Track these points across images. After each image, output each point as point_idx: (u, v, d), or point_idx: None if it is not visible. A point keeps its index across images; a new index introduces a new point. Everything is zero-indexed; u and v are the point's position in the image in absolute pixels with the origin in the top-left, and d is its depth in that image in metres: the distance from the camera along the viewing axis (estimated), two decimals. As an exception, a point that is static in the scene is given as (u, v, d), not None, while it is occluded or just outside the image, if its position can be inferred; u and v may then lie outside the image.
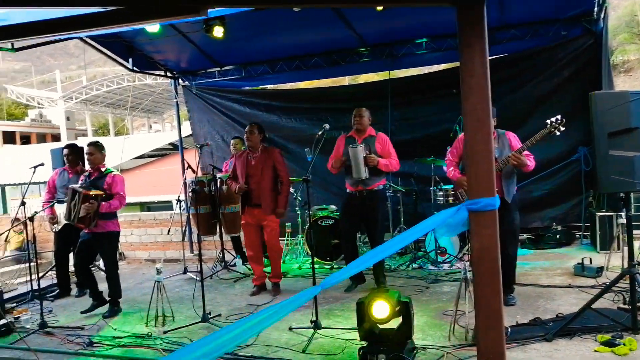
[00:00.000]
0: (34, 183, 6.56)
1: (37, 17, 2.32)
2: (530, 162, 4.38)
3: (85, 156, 5.31)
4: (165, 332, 4.51)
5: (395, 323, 3.50)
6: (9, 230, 6.49)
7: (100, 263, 6.34)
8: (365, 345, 3.50)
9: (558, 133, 4.21)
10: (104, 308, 5.29)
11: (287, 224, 7.30)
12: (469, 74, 2.04)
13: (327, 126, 4.90)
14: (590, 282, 5.00)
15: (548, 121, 4.22)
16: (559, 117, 4.17)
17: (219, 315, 4.91)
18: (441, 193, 6.49)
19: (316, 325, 4.20)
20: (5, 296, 5.75)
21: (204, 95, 8.83)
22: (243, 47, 7.79)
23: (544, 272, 5.63)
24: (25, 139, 38.04)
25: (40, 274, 5.86)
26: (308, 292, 2.23)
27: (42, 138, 38.94)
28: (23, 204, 5.68)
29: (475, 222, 2.11)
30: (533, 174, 6.76)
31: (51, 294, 6.13)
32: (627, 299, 4.08)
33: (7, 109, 46.99)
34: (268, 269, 5.81)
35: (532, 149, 4.45)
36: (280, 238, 5.83)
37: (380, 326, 3.49)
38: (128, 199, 5.43)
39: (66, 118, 38.39)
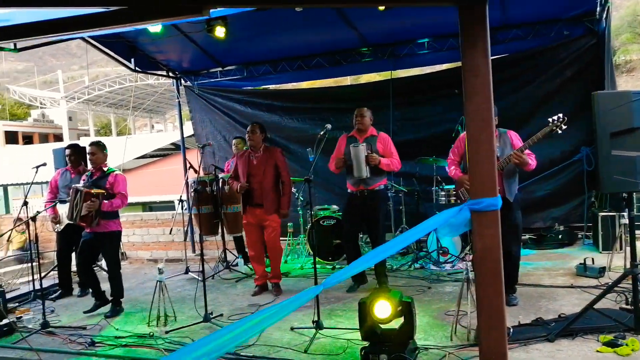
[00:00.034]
0: (37, 183, 6.58)
1: (39, 17, 2.32)
2: (532, 161, 4.37)
3: (88, 156, 5.32)
4: (167, 332, 4.51)
5: (397, 323, 3.49)
6: (12, 230, 6.51)
7: (103, 263, 6.34)
8: (367, 345, 3.50)
9: (560, 131, 4.20)
10: (106, 308, 5.30)
11: (289, 223, 7.31)
12: (472, 74, 2.04)
13: (329, 126, 4.89)
14: (592, 283, 4.99)
15: (550, 119, 4.21)
16: (560, 115, 4.17)
17: (221, 315, 4.91)
18: (443, 193, 6.49)
19: (318, 326, 4.19)
20: (8, 296, 5.76)
21: (205, 96, 8.84)
22: (245, 47, 7.80)
23: (546, 272, 5.62)
24: (28, 139, 38.11)
25: (43, 274, 5.87)
26: (309, 291, 2.23)
27: (44, 138, 39.01)
28: (25, 203, 5.69)
29: (477, 222, 2.11)
30: (535, 174, 6.75)
31: (53, 294, 6.14)
32: (630, 300, 4.07)
33: (9, 109, 47.08)
34: (269, 269, 5.81)
35: (534, 149, 4.45)
36: (282, 238, 5.83)
37: (382, 326, 3.49)
38: (130, 199, 5.44)
39: (68, 118, 38.44)
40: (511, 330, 3.73)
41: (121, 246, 7.72)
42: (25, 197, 5.65)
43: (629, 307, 4.00)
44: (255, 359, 3.82)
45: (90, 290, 5.49)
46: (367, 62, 7.86)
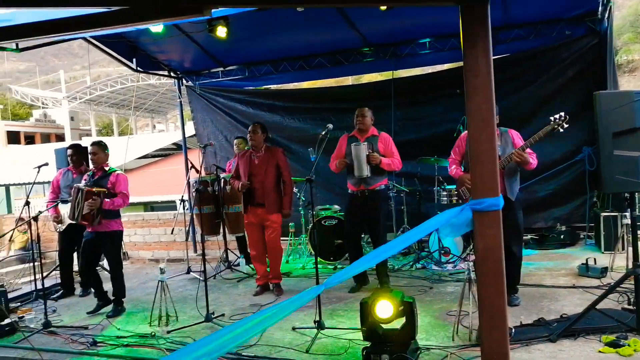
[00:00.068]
0: (38, 183, 6.58)
1: (41, 17, 2.33)
2: (533, 160, 4.37)
3: (89, 156, 5.32)
4: (168, 332, 4.52)
5: (398, 323, 3.49)
6: (13, 229, 6.53)
7: (105, 263, 6.35)
8: (368, 345, 3.50)
9: (561, 130, 4.20)
10: (108, 308, 5.31)
11: (290, 223, 7.30)
12: (473, 74, 2.04)
13: (330, 126, 4.90)
14: (594, 283, 4.98)
15: (552, 118, 4.21)
16: (562, 114, 4.16)
17: (223, 315, 4.91)
18: (445, 193, 6.48)
19: (319, 326, 4.19)
20: (10, 295, 5.77)
21: (207, 95, 8.85)
22: (246, 47, 7.80)
23: (548, 272, 5.61)
24: (30, 139, 38.17)
25: (44, 274, 5.87)
26: (311, 291, 2.23)
27: (46, 138, 39.07)
28: (27, 203, 5.70)
29: (479, 222, 2.11)
30: (537, 174, 6.75)
31: (55, 294, 6.15)
32: (632, 300, 4.06)
33: (11, 109, 47.16)
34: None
35: (535, 149, 4.44)
36: (283, 238, 5.82)
37: (384, 326, 3.49)
38: (132, 199, 5.45)
39: (70, 118, 38.49)
40: (513, 330, 3.73)
41: (123, 246, 7.72)
42: (27, 197, 5.65)
43: (631, 307, 3.99)
44: (256, 358, 3.82)
45: (93, 290, 5.51)
46: (369, 62, 7.86)
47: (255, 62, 8.28)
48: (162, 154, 26.76)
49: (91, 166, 5.44)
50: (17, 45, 6.28)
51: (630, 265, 3.93)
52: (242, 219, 5.91)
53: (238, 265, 6.96)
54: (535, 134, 4.24)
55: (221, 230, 6.66)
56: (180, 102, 8.97)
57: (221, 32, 6.27)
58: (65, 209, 5.78)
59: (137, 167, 23.52)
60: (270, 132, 6.14)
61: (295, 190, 6.71)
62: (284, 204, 5.55)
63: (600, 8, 6.36)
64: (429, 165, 6.82)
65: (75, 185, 5.26)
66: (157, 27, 6.33)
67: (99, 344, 4.36)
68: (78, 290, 6.27)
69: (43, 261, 5.84)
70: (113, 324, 4.90)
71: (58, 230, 6.12)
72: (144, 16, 1.99)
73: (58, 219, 6.03)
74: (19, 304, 5.87)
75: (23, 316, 5.15)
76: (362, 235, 6.38)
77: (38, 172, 5.63)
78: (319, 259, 5.20)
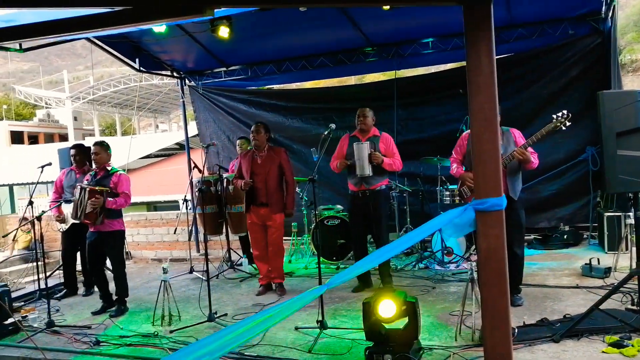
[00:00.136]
0: (42, 183, 6.60)
1: (44, 17, 2.33)
2: (535, 160, 4.36)
3: (92, 156, 5.34)
4: (171, 332, 4.52)
5: (401, 323, 3.49)
6: (17, 229, 6.54)
7: (108, 262, 6.36)
8: (371, 345, 3.50)
9: (564, 128, 4.18)
10: (112, 308, 5.32)
11: (293, 223, 7.31)
12: (476, 74, 2.03)
13: (333, 126, 4.90)
14: (598, 283, 4.97)
15: (554, 116, 4.20)
16: (564, 112, 4.15)
17: (225, 314, 4.92)
18: (448, 193, 6.48)
19: (322, 325, 4.19)
20: (13, 295, 5.77)
21: (210, 95, 8.86)
22: (249, 47, 7.80)
23: (551, 272, 5.60)
24: (33, 139, 38.29)
25: (48, 273, 5.89)
26: (313, 291, 2.23)
27: (49, 138, 39.20)
28: (31, 203, 5.72)
29: (482, 222, 2.10)
30: (540, 173, 6.74)
31: (58, 293, 6.16)
32: (636, 300, 4.05)
33: (15, 109, 47.32)
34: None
35: (539, 149, 4.43)
36: (286, 238, 5.82)
37: (387, 326, 3.48)
38: (135, 199, 5.46)
39: (73, 118, 38.62)
40: (516, 330, 3.72)
41: (126, 245, 7.74)
42: (31, 196, 5.68)
43: (634, 307, 3.98)
44: (259, 358, 3.82)
45: (97, 289, 5.52)
46: (372, 62, 7.85)
47: (258, 62, 8.28)
48: (165, 154, 26.78)
49: (93, 166, 5.45)
50: (20, 45, 6.30)
51: (634, 266, 3.92)
52: (245, 218, 5.92)
53: (241, 265, 6.96)
54: (537, 132, 4.23)
55: (224, 230, 6.66)
56: (183, 102, 8.98)
57: (223, 32, 6.26)
58: (68, 209, 5.79)
59: (140, 166, 23.55)
60: (272, 132, 6.14)
61: (297, 190, 6.71)
62: (287, 204, 5.55)
63: (603, 7, 6.34)
64: (431, 165, 6.82)
65: (78, 184, 5.28)
66: (160, 27, 6.33)
67: (102, 344, 4.37)
68: (81, 289, 6.28)
69: (46, 261, 5.84)
70: (116, 323, 4.91)
71: (61, 230, 6.13)
72: (147, 16, 1.99)
73: (61, 219, 6.05)
74: (22, 303, 5.88)
75: (26, 315, 5.17)
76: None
77: (41, 172, 5.64)
78: (321, 258, 5.19)
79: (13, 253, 9.71)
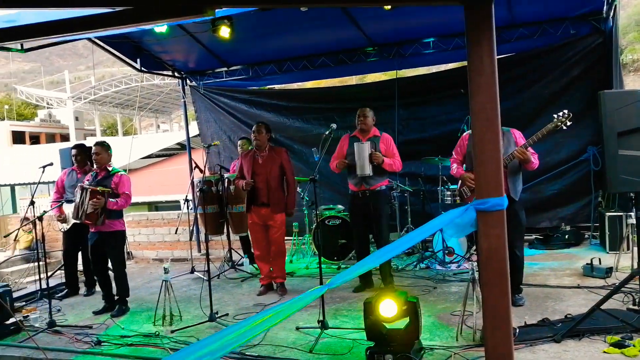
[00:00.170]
0: (43, 183, 6.60)
1: (46, 18, 2.34)
2: (535, 160, 4.35)
3: (92, 156, 5.34)
4: (172, 332, 4.53)
5: (402, 323, 3.48)
6: (18, 229, 6.55)
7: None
8: (372, 345, 3.50)
9: (565, 127, 4.17)
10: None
11: (294, 223, 7.31)
12: (477, 73, 2.03)
13: (334, 126, 4.90)
14: (599, 283, 4.96)
15: (555, 115, 4.19)
16: (565, 111, 4.14)
17: (227, 314, 4.92)
18: (449, 193, 6.47)
19: (323, 325, 4.19)
20: (15, 295, 5.79)
21: (211, 95, 8.86)
22: (250, 47, 7.80)
23: (552, 272, 5.59)
24: (35, 139, 38.33)
25: (49, 273, 5.90)
26: (314, 291, 2.23)
27: (51, 138, 39.22)
28: (32, 203, 5.72)
29: (483, 222, 2.10)
30: (542, 173, 6.73)
31: (60, 293, 6.17)
32: (637, 300, 4.05)
33: (16, 109, 47.40)
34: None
35: (540, 149, 4.42)
36: (287, 238, 5.82)
37: (388, 326, 3.48)
38: (136, 199, 5.47)
39: (75, 118, 38.65)
40: (517, 330, 3.72)
41: (127, 245, 7.74)
42: (32, 196, 5.68)
43: (636, 307, 3.98)
44: (260, 358, 3.82)
45: (99, 290, 5.53)
46: (373, 62, 7.85)
47: (259, 62, 8.28)
48: (166, 154, 26.80)
49: (94, 166, 5.46)
50: (22, 45, 6.31)
51: (636, 265, 3.92)
52: (246, 218, 5.92)
53: (242, 265, 6.97)
54: (538, 132, 4.23)
55: (225, 230, 6.67)
56: (184, 102, 8.99)
57: (224, 32, 6.25)
58: (69, 209, 5.80)
59: (141, 166, 23.56)
60: (273, 132, 6.14)
61: (299, 190, 6.71)
62: (287, 204, 5.56)
63: (605, 7, 6.33)
64: (432, 165, 6.81)
65: (79, 184, 5.28)
66: (161, 27, 6.33)
67: (103, 343, 4.37)
68: (82, 289, 6.29)
69: (48, 261, 5.86)
70: (117, 323, 4.92)
71: (62, 230, 6.14)
72: (148, 16, 1.99)
73: (62, 219, 6.05)
74: (23, 303, 5.89)
75: (28, 315, 5.17)
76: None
77: (43, 172, 5.65)
78: (322, 258, 5.20)
79: (14, 253, 9.73)
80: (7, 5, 2.44)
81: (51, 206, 6.02)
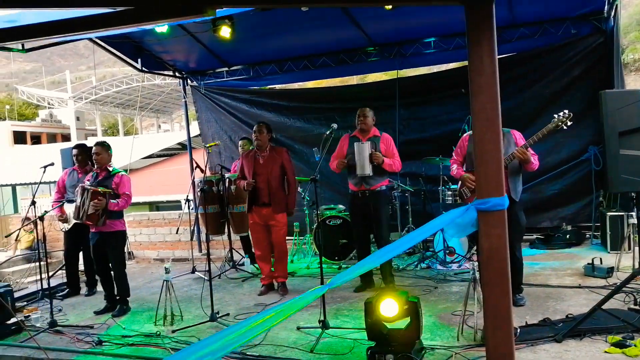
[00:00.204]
0: (44, 183, 6.61)
1: (47, 18, 2.34)
2: (535, 161, 4.35)
3: (93, 156, 5.35)
4: (173, 331, 4.53)
5: (403, 323, 3.48)
6: (20, 229, 6.55)
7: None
8: (373, 345, 3.50)
9: (565, 127, 4.17)
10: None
11: (295, 223, 7.31)
12: (478, 73, 2.03)
13: (335, 126, 4.90)
14: (600, 283, 4.96)
15: (555, 115, 4.18)
16: (566, 111, 4.14)
17: (227, 314, 4.92)
18: (449, 193, 6.47)
19: (324, 325, 4.19)
20: (16, 295, 5.79)
21: (212, 95, 8.87)
22: (251, 47, 7.81)
23: (553, 272, 5.59)
24: (36, 139, 38.36)
25: (50, 273, 5.91)
26: (315, 291, 2.23)
27: (52, 138, 39.25)
28: (33, 203, 5.73)
29: (484, 222, 2.10)
30: (543, 173, 6.73)
31: (61, 293, 6.18)
32: (638, 300, 4.04)
33: (18, 109, 47.44)
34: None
35: (541, 149, 4.42)
36: (288, 237, 5.83)
37: (389, 326, 3.48)
38: (137, 199, 5.47)
39: (76, 118, 38.66)
40: (518, 330, 3.72)
41: (128, 245, 7.75)
42: (33, 196, 5.68)
43: (637, 307, 3.98)
44: (261, 358, 3.82)
45: (102, 289, 5.53)
46: (373, 62, 7.85)
47: (260, 62, 8.28)
48: (167, 154, 26.83)
49: (95, 166, 5.46)
50: (23, 45, 6.31)
51: (637, 265, 3.91)
52: (247, 218, 5.93)
53: (243, 264, 6.97)
54: (538, 132, 4.22)
55: (226, 230, 6.67)
56: (185, 102, 9.00)
57: (225, 32, 6.26)
58: (70, 209, 5.81)
59: (142, 166, 23.58)
60: (274, 132, 6.15)
61: (299, 190, 6.71)
62: (289, 203, 5.57)
63: (606, 7, 6.33)
64: (433, 164, 6.81)
65: (80, 185, 5.28)
66: (161, 27, 6.34)
67: (104, 343, 4.38)
68: (83, 289, 6.29)
69: (49, 261, 5.87)
70: (118, 323, 4.92)
71: (63, 229, 6.15)
72: (148, 16, 1.99)
73: (63, 219, 6.06)
74: (25, 303, 5.89)
75: (29, 315, 5.17)
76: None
77: (44, 172, 5.66)
78: (323, 258, 5.20)
79: (16, 253, 9.74)
80: (8, 6, 2.44)
81: (52, 206, 6.03)
